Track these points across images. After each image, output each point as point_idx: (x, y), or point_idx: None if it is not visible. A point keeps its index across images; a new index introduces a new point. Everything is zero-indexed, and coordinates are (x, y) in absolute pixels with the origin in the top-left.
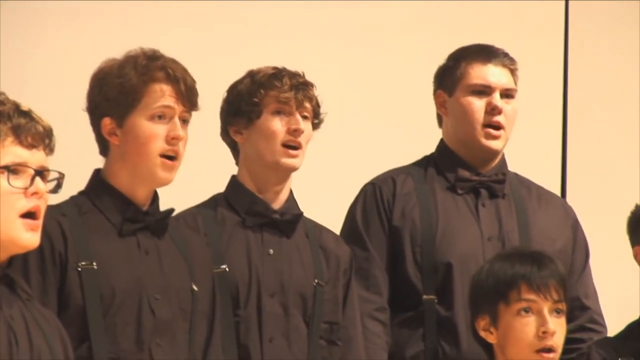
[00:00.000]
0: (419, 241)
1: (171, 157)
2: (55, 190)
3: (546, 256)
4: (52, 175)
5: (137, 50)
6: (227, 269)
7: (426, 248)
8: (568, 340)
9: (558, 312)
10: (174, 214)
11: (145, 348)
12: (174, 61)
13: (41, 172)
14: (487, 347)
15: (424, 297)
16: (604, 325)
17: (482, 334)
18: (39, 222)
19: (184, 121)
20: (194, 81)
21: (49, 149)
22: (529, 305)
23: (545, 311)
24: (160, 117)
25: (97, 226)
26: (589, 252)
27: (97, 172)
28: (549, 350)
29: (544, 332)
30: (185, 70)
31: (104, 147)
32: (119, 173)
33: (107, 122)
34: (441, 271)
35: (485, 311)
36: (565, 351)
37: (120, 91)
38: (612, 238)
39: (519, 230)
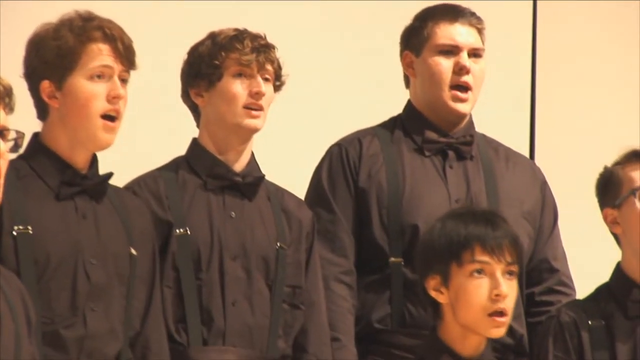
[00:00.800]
0: (385, 203)
1: (112, 118)
2: (14, 149)
3: (499, 216)
4: (11, 134)
5: (72, 12)
6: (188, 232)
7: (393, 210)
8: (536, 303)
9: (510, 274)
10: (136, 178)
11: (80, 313)
12: (109, 21)
13: (0, 132)
14: (435, 306)
15: (391, 259)
16: (572, 288)
17: (432, 293)
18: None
19: (123, 80)
20: (130, 40)
21: (9, 108)
22: (482, 267)
23: (499, 274)
24: (99, 76)
25: (34, 190)
26: (558, 214)
27: (36, 136)
28: (501, 313)
29: (496, 295)
30: (121, 30)
31: (43, 111)
32: (58, 136)
33: (45, 85)
34: (408, 233)
35: (436, 271)
36: (534, 314)
37: (58, 53)
38: (581, 200)
39: (487, 192)
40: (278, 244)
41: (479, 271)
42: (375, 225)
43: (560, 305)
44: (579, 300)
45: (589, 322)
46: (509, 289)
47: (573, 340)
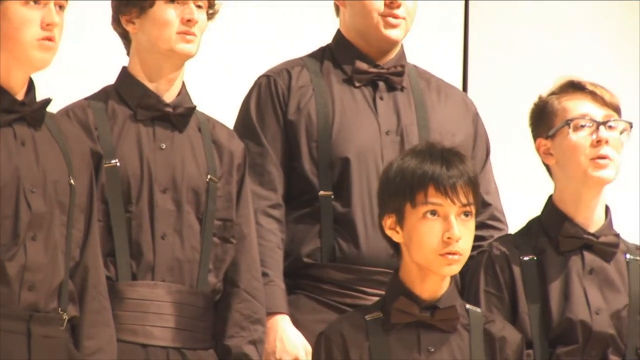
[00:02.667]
0: (315, 136)
1: (48, 39)
2: None
3: (457, 154)
4: None
5: None
6: (118, 164)
7: (322, 143)
8: None
9: (466, 215)
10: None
11: (20, 242)
12: None
13: None
14: (395, 245)
15: (320, 193)
16: (504, 222)
17: (388, 232)
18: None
19: (60, 7)
20: None
21: None
22: (435, 208)
23: (452, 216)
24: (35, 1)
25: None
26: (490, 148)
27: None
28: (454, 254)
29: (448, 238)
30: None
31: None
32: None
33: None
34: (338, 166)
35: (392, 210)
36: None
37: None
38: (514, 132)
39: (418, 123)
40: (208, 177)
41: (433, 212)
42: (304, 158)
43: (492, 240)
44: (510, 235)
45: (521, 257)
46: (464, 230)
47: (504, 275)
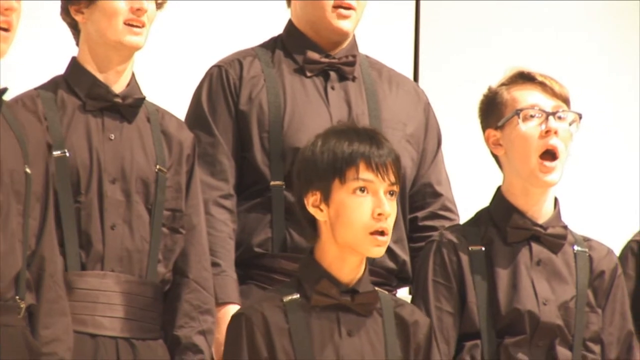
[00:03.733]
0: (266, 126)
1: (3, 29)
2: None
3: (381, 135)
4: None
5: None
6: (67, 154)
7: (274, 133)
8: (419, 228)
9: (392, 194)
10: (14, 97)
11: None
12: None
13: None
14: (313, 224)
15: (272, 183)
16: (455, 212)
17: (311, 210)
18: None
19: None
20: None
21: None
22: (365, 185)
23: (381, 192)
24: None
25: None
26: (441, 138)
27: None
28: (382, 233)
29: (379, 214)
30: None
31: None
32: None
33: None
34: (289, 156)
35: (317, 187)
36: (417, 239)
37: None
38: (465, 122)
39: (369, 113)
40: (157, 167)
41: (362, 189)
42: (256, 148)
43: (442, 229)
44: (459, 225)
45: (469, 247)
46: (391, 208)
47: (453, 265)
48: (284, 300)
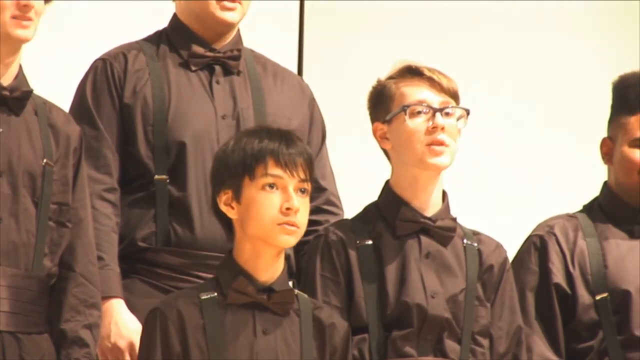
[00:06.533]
0: (150, 119)
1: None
2: None
3: (295, 135)
4: None
5: None
6: None
7: (158, 127)
8: None
9: (303, 191)
10: None
11: None
12: None
13: None
14: (227, 223)
15: (156, 177)
16: (340, 207)
17: (223, 208)
18: None
19: None
20: None
21: None
22: (274, 181)
23: (291, 188)
24: None
25: None
26: (326, 132)
27: None
28: (292, 224)
29: (287, 209)
30: None
31: None
32: None
33: None
34: (174, 150)
35: (228, 185)
36: None
37: None
38: (349, 117)
39: (254, 108)
40: (44, 161)
41: (272, 185)
42: (140, 142)
43: (328, 224)
44: (347, 220)
45: (357, 242)
46: (301, 204)
47: (340, 259)
48: (201, 297)
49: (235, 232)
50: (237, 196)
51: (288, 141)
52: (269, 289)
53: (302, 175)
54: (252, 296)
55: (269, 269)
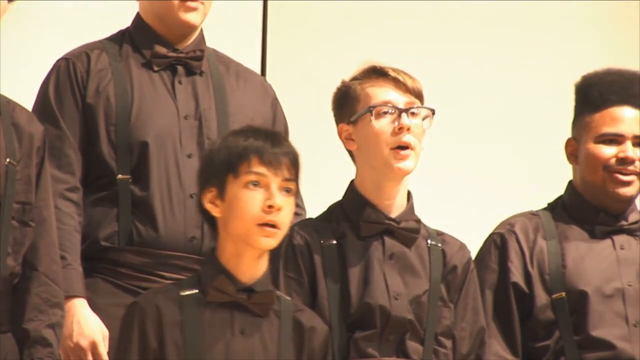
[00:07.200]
0: (113, 119)
1: None
2: None
3: (282, 136)
4: None
5: None
6: None
7: (121, 126)
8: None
9: (287, 190)
10: None
11: None
12: None
13: None
14: (212, 221)
15: (118, 176)
16: (303, 208)
17: (208, 206)
18: None
19: None
20: None
21: None
22: (258, 178)
23: (274, 187)
24: None
25: None
26: (289, 132)
27: None
28: (273, 225)
29: (269, 207)
30: None
31: None
32: None
33: None
34: (136, 150)
35: (213, 184)
36: None
37: None
38: (312, 118)
39: (216, 108)
40: (7, 160)
41: (255, 183)
42: (103, 141)
43: (292, 225)
44: (311, 220)
45: (321, 242)
46: (285, 203)
47: (304, 259)
48: (181, 294)
49: (218, 231)
50: (221, 194)
51: (274, 140)
52: (249, 289)
53: (287, 175)
54: (232, 295)
55: (251, 269)
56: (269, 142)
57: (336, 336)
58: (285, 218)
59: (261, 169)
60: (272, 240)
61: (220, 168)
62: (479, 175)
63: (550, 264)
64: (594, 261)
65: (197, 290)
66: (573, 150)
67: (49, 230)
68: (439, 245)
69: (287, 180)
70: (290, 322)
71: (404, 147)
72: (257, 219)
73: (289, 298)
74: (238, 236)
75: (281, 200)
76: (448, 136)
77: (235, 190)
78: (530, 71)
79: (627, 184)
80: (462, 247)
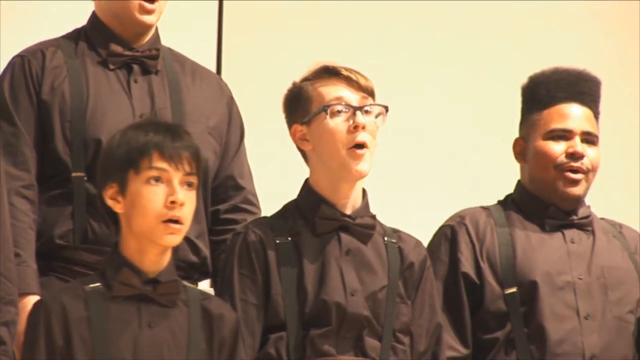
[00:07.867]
0: (68, 117)
1: None
2: None
3: (181, 129)
4: None
5: None
6: None
7: (76, 124)
8: (221, 221)
9: (189, 185)
10: None
11: None
12: None
13: None
14: (114, 217)
15: (73, 174)
16: (257, 206)
17: (109, 202)
18: None
19: None
20: None
21: None
22: (159, 174)
23: (176, 182)
24: None
25: None
26: (244, 131)
27: None
28: (177, 222)
29: (172, 202)
30: None
31: None
32: None
33: None
34: (91, 148)
35: (114, 179)
36: (219, 232)
37: None
38: (267, 117)
39: (172, 107)
40: None
41: (157, 178)
42: (57, 138)
43: (247, 222)
44: (266, 218)
45: (276, 240)
46: (186, 198)
47: (259, 258)
48: (86, 289)
49: (121, 226)
50: (123, 190)
51: (174, 135)
52: (154, 281)
53: (188, 169)
54: (137, 288)
55: (155, 263)
56: (169, 137)
57: (292, 334)
58: (187, 213)
59: (162, 164)
60: (177, 237)
61: (120, 164)
62: (434, 175)
63: (501, 255)
64: (544, 253)
65: (100, 284)
66: (521, 149)
67: (3, 228)
68: (396, 242)
69: (188, 174)
70: (199, 311)
71: (360, 145)
72: (160, 216)
73: (194, 287)
74: (142, 233)
75: (183, 195)
76: (401, 135)
77: (136, 186)
78: (487, 69)
79: (576, 182)
80: (418, 244)
